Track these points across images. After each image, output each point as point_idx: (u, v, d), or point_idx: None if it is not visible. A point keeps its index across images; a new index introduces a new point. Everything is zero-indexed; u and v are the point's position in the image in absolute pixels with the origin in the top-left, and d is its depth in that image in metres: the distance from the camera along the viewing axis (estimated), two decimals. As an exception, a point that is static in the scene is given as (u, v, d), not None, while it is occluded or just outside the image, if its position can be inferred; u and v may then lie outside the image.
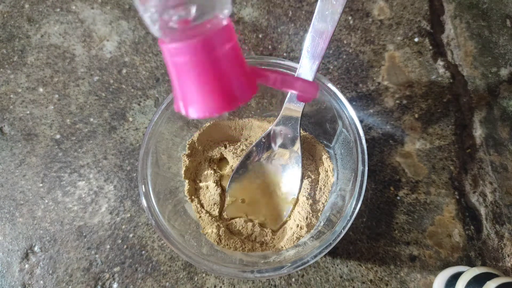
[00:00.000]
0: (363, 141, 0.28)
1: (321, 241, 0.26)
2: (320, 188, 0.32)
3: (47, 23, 0.43)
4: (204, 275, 0.35)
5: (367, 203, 0.36)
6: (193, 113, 0.17)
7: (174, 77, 0.17)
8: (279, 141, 0.32)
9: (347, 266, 0.35)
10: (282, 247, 0.30)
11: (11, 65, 0.42)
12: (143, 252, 0.36)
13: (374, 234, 0.35)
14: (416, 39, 0.41)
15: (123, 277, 0.35)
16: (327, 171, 0.32)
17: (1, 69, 0.41)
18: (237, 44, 0.17)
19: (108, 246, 0.36)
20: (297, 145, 0.32)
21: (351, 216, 0.26)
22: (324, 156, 0.33)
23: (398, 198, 0.37)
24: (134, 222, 0.36)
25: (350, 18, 0.42)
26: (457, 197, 0.36)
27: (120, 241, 0.36)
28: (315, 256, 0.25)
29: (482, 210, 0.36)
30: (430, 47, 0.41)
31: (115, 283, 0.35)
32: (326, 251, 0.25)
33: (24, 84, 0.41)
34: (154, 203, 0.28)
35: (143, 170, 0.28)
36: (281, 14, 0.43)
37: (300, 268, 0.25)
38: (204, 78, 0.16)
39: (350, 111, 0.28)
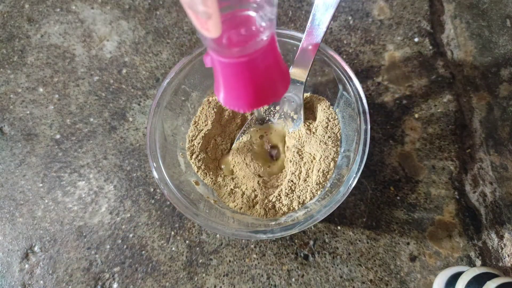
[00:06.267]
0: (364, 101, 0.29)
1: (329, 200, 0.27)
2: (329, 149, 0.32)
3: (47, 23, 0.43)
4: (204, 275, 0.35)
5: (367, 203, 0.36)
6: (230, 106, 0.21)
7: (219, 77, 0.20)
8: (283, 108, 0.34)
9: (347, 266, 0.35)
10: (292, 208, 0.31)
11: (11, 65, 0.42)
12: (143, 252, 0.36)
13: (374, 234, 0.35)
14: (416, 39, 0.41)
15: (123, 277, 0.35)
16: (333, 129, 0.32)
17: (1, 69, 0.41)
18: (278, 55, 0.20)
19: (108, 246, 0.36)
20: (301, 113, 0.33)
21: (357, 173, 0.27)
22: (330, 110, 0.33)
23: (398, 198, 0.37)
24: (134, 222, 0.36)
25: (350, 18, 0.42)
26: (457, 197, 0.36)
27: (120, 241, 0.36)
28: (325, 213, 0.27)
29: (482, 210, 0.36)
30: (430, 47, 0.41)
31: (115, 283, 0.35)
32: (335, 207, 0.27)
33: (24, 84, 0.41)
34: (165, 174, 0.29)
35: (152, 144, 0.29)
36: (281, 14, 0.43)
37: (310, 224, 0.26)
38: (245, 85, 0.20)
39: (350, 74, 0.30)
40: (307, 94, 0.35)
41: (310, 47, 0.28)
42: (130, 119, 0.40)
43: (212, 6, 0.14)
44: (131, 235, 0.36)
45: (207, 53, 0.19)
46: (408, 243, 0.35)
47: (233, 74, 0.19)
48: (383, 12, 0.42)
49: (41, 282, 0.35)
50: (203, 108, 0.34)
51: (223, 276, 0.35)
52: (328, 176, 0.31)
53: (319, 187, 0.31)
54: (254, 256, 0.35)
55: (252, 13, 0.16)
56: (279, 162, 0.34)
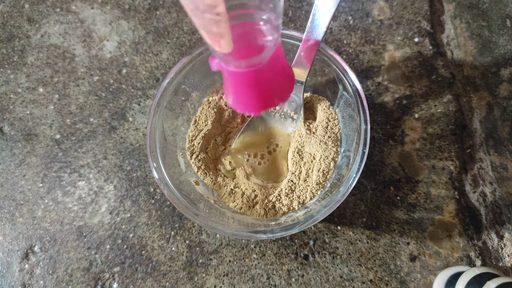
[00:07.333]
0: (364, 101, 0.29)
1: (329, 200, 0.27)
2: (329, 149, 0.32)
3: (47, 23, 0.43)
4: (204, 275, 0.35)
5: (367, 203, 0.36)
6: (240, 109, 0.22)
7: (228, 83, 0.21)
8: (283, 108, 0.34)
9: (347, 266, 0.35)
10: (292, 208, 0.30)
11: (11, 65, 0.42)
12: (143, 252, 0.36)
13: (374, 234, 0.35)
14: (416, 39, 0.41)
15: (123, 277, 0.35)
16: (333, 129, 0.32)
17: (1, 69, 0.41)
18: (283, 61, 0.21)
19: (108, 246, 0.36)
20: (301, 113, 0.33)
21: (357, 173, 0.27)
22: (330, 110, 0.33)
23: (398, 198, 0.37)
24: (134, 222, 0.36)
25: (350, 18, 0.42)
26: (457, 197, 0.36)
27: (120, 241, 0.36)
28: (325, 213, 0.27)
29: (482, 210, 0.36)
30: (430, 47, 0.41)
31: (115, 283, 0.35)
32: (335, 207, 0.27)
33: (24, 84, 0.41)
34: (165, 174, 0.29)
35: (152, 144, 0.29)
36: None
37: (310, 224, 0.26)
38: (253, 90, 0.21)
39: (350, 74, 0.30)
40: (307, 94, 0.35)
41: (310, 47, 0.28)
42: (130, 119, 0.40)
43: (224, 28, 0.15)
44: (131, 235, 0.36)
45: (212, 56, 0.19)
46: (408, 243, 0.35)
47: (241, 81, 0.20)
48: (383, 12, 0.42)
49: (41, 282, 0.35)
50: (203, 108, 0.34)
51: (223, 276, 0.35)
52: (328, 176, 0.31)
53: (319, 187, 0.31)
54: (254, 256, 0.35)
55: (259, 24, 0.16)
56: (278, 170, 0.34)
